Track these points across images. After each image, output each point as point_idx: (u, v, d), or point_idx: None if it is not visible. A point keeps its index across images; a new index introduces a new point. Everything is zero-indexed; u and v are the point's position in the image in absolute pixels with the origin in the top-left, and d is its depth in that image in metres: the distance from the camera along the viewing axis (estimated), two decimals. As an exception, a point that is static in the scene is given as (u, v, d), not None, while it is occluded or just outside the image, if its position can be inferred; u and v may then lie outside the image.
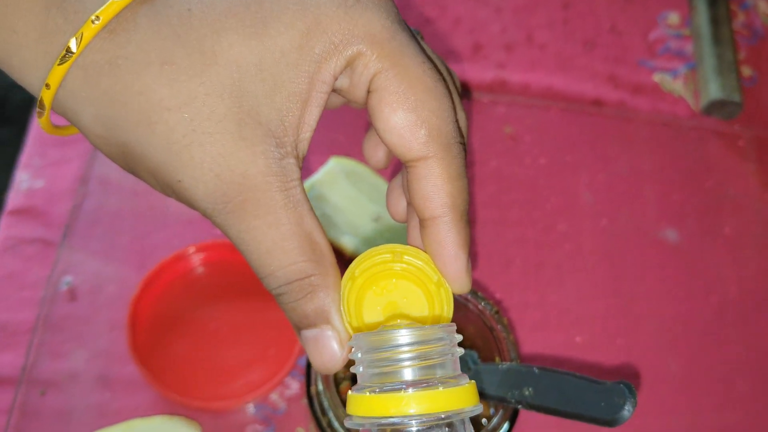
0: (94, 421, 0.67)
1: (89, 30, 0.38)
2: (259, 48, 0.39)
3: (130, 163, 0.41)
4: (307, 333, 0.42)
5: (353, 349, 0.40)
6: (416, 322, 0.43)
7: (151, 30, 0.39)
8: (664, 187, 0.81)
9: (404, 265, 0.43)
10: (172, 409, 0.68)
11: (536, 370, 0.48)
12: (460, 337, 0.40)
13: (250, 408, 0.68)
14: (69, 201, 0.77)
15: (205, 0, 0.39)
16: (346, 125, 0.82)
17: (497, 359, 0.57)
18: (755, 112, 0.86)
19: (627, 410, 0.42)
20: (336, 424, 0.54)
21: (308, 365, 0.56)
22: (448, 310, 0.43)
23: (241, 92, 0.39)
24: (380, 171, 0.74)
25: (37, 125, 0.82)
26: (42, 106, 0.40)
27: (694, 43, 0.88)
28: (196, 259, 0.74)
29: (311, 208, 0.41)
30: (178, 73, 0.38)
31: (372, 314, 0.43)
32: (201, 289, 0.74)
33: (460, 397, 0.38)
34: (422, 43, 0.44)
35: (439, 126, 0.41)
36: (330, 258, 0.42)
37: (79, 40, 0.38)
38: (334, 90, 0.42)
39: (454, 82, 0.45)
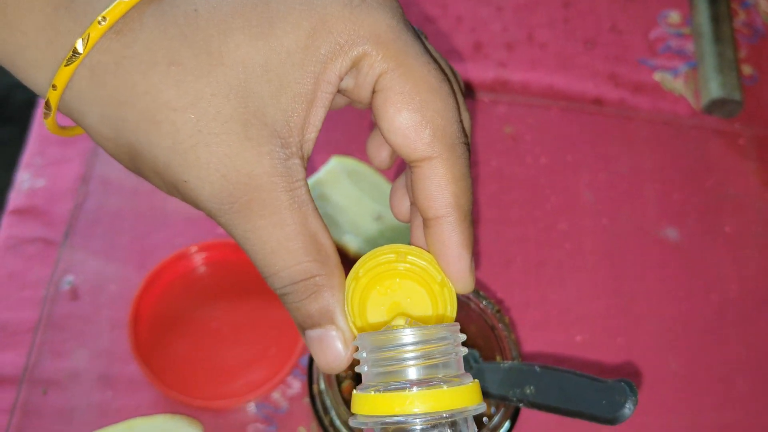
0: (95, 420, 0.67)
1: (96, 31, 0.38)
2: (266, 48, 0.39)
3: (136, 164, 0.41)
4: (312, 333, 0.42)
5: (358, 349, 0.40)
6: (420, 322, 0.43)
7: (157, 30, 0.39)
8: (664, 186, 0.81)
9: (408, 265, 0.43)
10: (173, 408, 0.68)
11: (537, 369, 0.48)
12: (463, 337, 0.41)
13: (252, 407, 0.68)
14: (70, 200, 0.77)
15: (211, 0, 0.40)
16: (347, 125, 0.82)
17: (499, 358, 0.57)
18: (756, 110, 0.86)
19: (628, 408, 0.42)
20: (338, 423, 0.55)
21: (310, 364, 0.56)
22: (451, 310, 0.43)
23: (247, 93, 0.39)
24: (382, 171, 0.74)
25: (39, 125, 0.82)
26: (48, 107, 0.40)
27: (695, 42, 0.89)
28: (198, 259, 0.74)
29: (316, 208, 0.41)
30: (185, 73, 0.38)
31: (376, 314, 0.43)
32: (202, 288, 0.74)
33: (464, 396, 0.38)
34: (426, 43, 0.44)
35: (443, 126, 0.41)
36: (334, 258, 0.42)
37: (86, 40, 0.38)
38: (338, 90, 0.42)
39: (458, 82, 0.45)
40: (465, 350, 0.41)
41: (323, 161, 0.77)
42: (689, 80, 0.87)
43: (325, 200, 0.74)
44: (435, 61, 0.42)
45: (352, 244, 0.72)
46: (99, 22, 0.38)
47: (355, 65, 0.40)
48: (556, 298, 0.75)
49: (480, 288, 0.70)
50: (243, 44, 0.39)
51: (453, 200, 0.42)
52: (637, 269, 0.77)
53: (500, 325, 0.57)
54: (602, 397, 0.44)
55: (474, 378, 0.40)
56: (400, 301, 0.43)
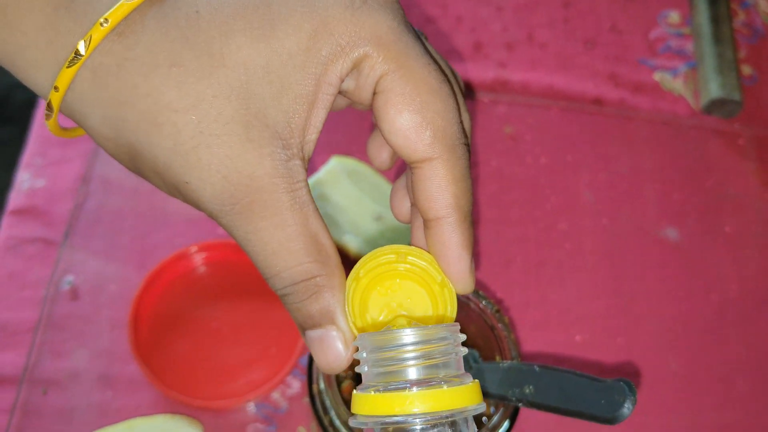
0: (95, 420, 0.67)
1: (98, 32, 0.38)
2: (267, 50, 0.39)
3: (137, 165, 0.41)
4: (312, 333, 0.42)
5: (358, 349, 0.40)
6: (420, 322, 0.43)
7: (159, 32, 0.39)
8: (664, 186, 0.81)
9: (408, 266, 0.43)
10: (173, 408, 0.68)
11: (537, 369, 0.48)
12: (463, 337, 0.41)
13: (252, 407, 0.68)
14: (70, 200, 0.77)
15: (213, 2, 0.40)
16: (347, 125, 0.82)
17: (498, 358, 0.57)
18: (755, 110, 0.86)
19: (627, 408, 0.42)
20: (337, 423, 0.55)
21: (310, 364, 0.56)
22: (451, 310, 0.43)
23: (249, 94, 0.39)
24: (382, 171, 0.74)
25: (39, 125, 0.82)
26: (50, 109, 0.40)
27: (695, 42, 0.89)
28: (198, 259, 0.74)
29: (317, 209, 0.41)
30: (186, 75, 0.39)
31: (376, 314, 0.43)
32: (202, 288, 0.74)
33: (464, 396, 0.38)
34: (427, 44, 0.44)
35: (444, 127, 0.41)
36: (335, 259, 0.42)
37: (88, 42, 0.38)
38: (339, 92, 0.42)
39: (458, 83, 0.45)
40: (465, 350, 0.41)
41: (323, 161, 0.77)
42: (689, 80, 0.87)
43: (325, 200, 0.74)
44: (435, 62, 0.42)
45: (352, 244, 0.72)
46: (101, 24, 0.38)
47: (356, 67, 0.41)
48: (556, 298, 0.75)
49: (480, 288, 0.70)
50: (244, 46, 0.39)
51: (453, 201, 0.42)
52: (637, 269, 0.77)
53: (500, 325, 0.57)
54: (601, 397, 0.44)
55: (473, 378, 0.40)
56: (400, 302, 0.43)
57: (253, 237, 0.40)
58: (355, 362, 0.41)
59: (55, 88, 0.39)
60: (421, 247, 0.44)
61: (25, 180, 0.78)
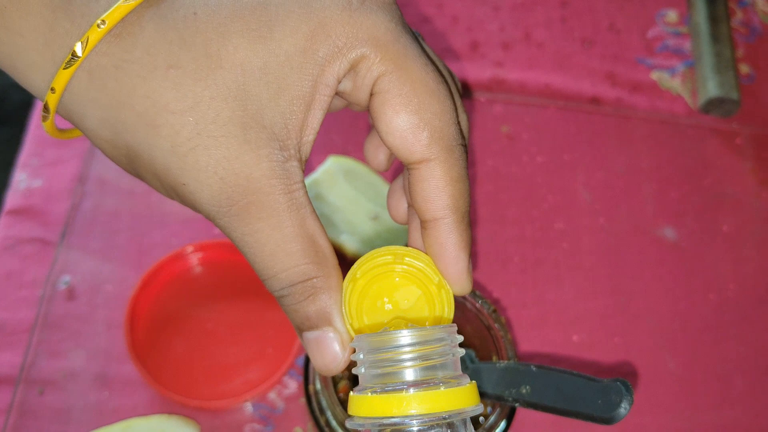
0: (92, 420, 0.67)
1: (95, 34, 0.38)
2: (264, 51, 0.39)
3: (135, 166, 0.41)
4: (309, 335, 0.42)
5: (355, 350, 0.40)
6: (417, 323, 0.43)
7: (157, 34, 0.39)
8: (661, 185, 0.81)
9: (405, 267, 0.43)
10: (170, 408, 0.68)
11: (534, 369, 0.48)
12: (461, 338, 0.41)
13: (248, 407, 0.68)
14: (67, 201, 0.77)
15: (210, 4, 0.40)
16: (344, 126, 0.82)
17: (495, 358, 0.57)
18: (753, 109, 0.86)
19: (624, 408, 0.42)
20: (334, 423, 0.55)
21: (306, 364, 0.56)
22: (449, 312, 0.43)
23: (246, 96, 0.39)
24: (380, 172, 0.74)
25: (35, 125, 0.82)
26: (47, 110, 0.40)
27: (692, 41, 0.89)
28: (194, 259, 0.74)
29: (314, 211, 0.41)
30: (184, 76, 0.38)
31: (373, 315, 0.43)
32: (199, 288, 0.74)
33: (462, 397, 0.38)
34: (424, 44, 0.44)
35: (441, 128, 0.41)
36: (332, 260, 0.42)
37: (85, 44, 0.38)
38: (337, 93, 0.42)
39: (455, 84, 0.45)
40: (462, 351, 0.41)
41: (320, 162, 0.77)
42: (686, 79, 0.87)
43: (322, 200, 0.74)
44: (433, 63, 0.42)
45: (349, 244, 0.72)
46: (98, 26, 0.38)
47: (353, 68, 0.40)
48: (553, 298, 0.75)
49: (476, 287, 0.70)
50: (242, 47, 0.39)
51: (450, 202, 0.42)
52: (635, 268, 0.77)
53: (496, 325, 0.57)
54: (598, 397, 0.44)
55: (470, 378, 0.40)
56: (397, 303, 0.43)
57: (250, 238, 0.40)
58: (352, 363, 0.41)
59: (52, 89, 0.39)
60: (418, 248, 0.44)
61: (21, 180, 0.78)
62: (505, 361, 0.54)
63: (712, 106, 0.84)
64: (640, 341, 0.73)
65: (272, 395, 0.69)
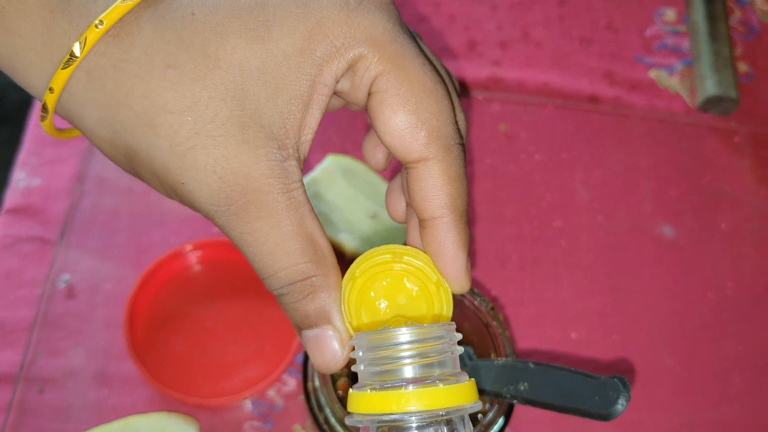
0: (92, 418, 0.67)
1: (93, 34, 0.38)
2: (262, 51, 0.39)
3: (134, 166, 0.41)
4: (308, 333, 0.42)
5: (354, 348, 0.41)
6: (416, 322, 0.43)
7: (155, 34, 0.39)
8: (660, 183, 0.81)
9: (404, 266, 0.43)
10: (169, 406, 0.68)
11: (531, 366, 0.48)
12: (459, 336, 0.41)
13: (248, 405, 0.68)
14: (66, 199, 0.77)
15: (208, 4, 0.40)
16: (342, 124, 0.82)
17: (493, 355, 0.57)
18: (751, 108, 0.86)
19: (621, 404, 0.42)
20: (332, 420, 0.55)
21: (305, 362, 0.57)
22: (447, 310, 0.44)
23: (244, 95, 0.39)
24: (378, 171, 0.74)
25: (34, 125, 0.82)
26: (45, 110, 0.40)
27: (691, 40, 0.89)
28: (193, 257, 0.75)
29: (312, 210, 0.41)
30: (182, 76, 0.39)
31: (372, 314, 0.43)
32: (198, 286, 0.74)
33: (460, 395, 0.39)
34: (421, 44, 0.44)
35: (439, 128, 0.41)
36: (331, 259, 0.42)
37: (83, 44, 0.38)
38: (334, 92, 0.42)
39: (452, 83, 0.45)
40: (461, 349, 0.41)
41: (319, 161, 0.77)
42: (685, 78, 0.87)
43: (321, 199, 0.74)
44: (430, 62, 0.42)
45: (347, 242, 0.72)
46: (96, 26, 0.38)
47: (351, 67, 0.41)
48: (552, 296, 0.75)
49: (475, 285, 0.70)
50: (239, 47, 0.39)
51: (448, 201, 0.42)
52: (633, 266, 0.77)
53: (494, 323, 0.57)
54: (595, 394, 0.44)
55: (468, 375, 0.40)
56: (396, 301, 0.43)
57: (249, 237, 0.40)
58: (351, 360, 0.42)
59: (51, 89, 0.39)
60: (416, 247, 0.44)
61: (21, 179, 0.78)
62: (503, 359, 0.54)
63: (711, 104, 0.84)
64: (639, 339, 0.74)
65: (271, 393, 0.69)
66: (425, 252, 0.44)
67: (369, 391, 0.39)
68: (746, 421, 0.71)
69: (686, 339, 0.74)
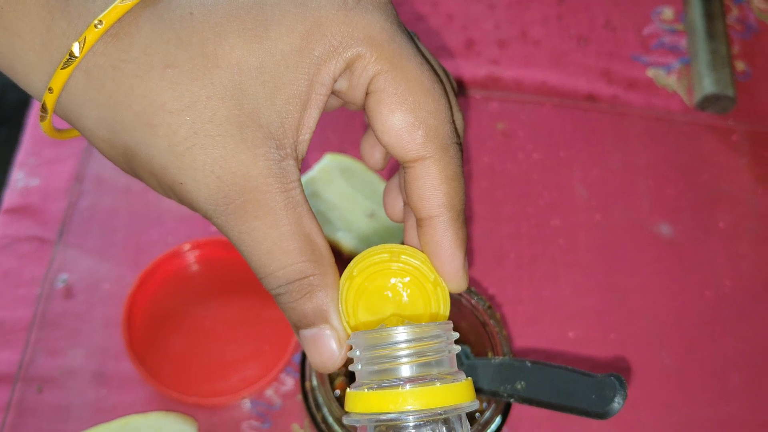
0: (90, 418, 0.67)
1: (92, 34, 0.38)
2: (260, 51, 0.39)
3: (132, 166, 0.41)
4: (306, 332, 0.42)
5: (352, 347, 0.41)
6: (413, 321, 0.43)
7: (153, 34, 0.39)
8: (658, 181, 0.82)
9: (402, 265, 0.43)
10: (168, 405, 0.68)
11: (528, 364, 0.48)
12: (456, 335, 0.41)
13: (246, 404, 0.69)
14: (64, 199, 0.78)
15: (206, 3, 0.40)
16: (339, 124, 0.82)
17: (490, 354, 0.57)
18: (749, 106, 0.86)
19: (617, 402, 0.43)
20: (330, 420, 0.55)
21: (303, 361, 0.57)
22: (444, 309, 0.44)
23: (242, 95, 0.39)
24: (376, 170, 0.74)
25: (33, 125, 0.82)
26: (45, 110, 0.40)
27: (688, 38, 0.89)
28: (191, 256, 0.75)
29: (310, 209, 0.41)
30: (181, 76, 0.39)
31: (370, 313, 0.43)
32: (196, 285, 0.74)
33: (457, 393, 0.39)
34: (419, 43, 0.44)
35: (436, 127, 0.41)
36: (329, 258, 0.42)
37: (82, 44, 0.38)
38: (332, 92, 0.42)
39: (450, 83, 0.45)
40: (458, 348, 0.41)
41: (317, 160, 0.77)
42: (682, 76, 0.87)
43: (319, 198, 0.74)
44: (428, 62, 0.42)
45: (345, 241, 0.72)
46: (95, 26, 0.38)
47: (348, 67, 0.41)
48: (549, 294, 0.75)
49: (472, 284, 0.70)
50: (238, 47, 0.39)
51: (446, 200, 0.42)
52: (631, 265, 0.77)
53: (492, 322, 0.57)
54: (592, 392, 0.44)
55: (466, 374, 0.40)
56: (393, 300, 0.44)
57: (247, 237, 0.40)
58: (349, 359, 0.42)
59: (50, 89, 0.39)
60: (414, 246, 0.44)
61: (19, 179, 0.78)
62: (501, 357, 0.54)
63: (708, 102, 0.84)
64: (636, 337, 0.74)
65: (269, 392, 0.69)
66: (422, 251, 0.44)
67: (366, 390, 0.39)
68: (744, 419, 0.71)
69: (684, 337, 0.74)
